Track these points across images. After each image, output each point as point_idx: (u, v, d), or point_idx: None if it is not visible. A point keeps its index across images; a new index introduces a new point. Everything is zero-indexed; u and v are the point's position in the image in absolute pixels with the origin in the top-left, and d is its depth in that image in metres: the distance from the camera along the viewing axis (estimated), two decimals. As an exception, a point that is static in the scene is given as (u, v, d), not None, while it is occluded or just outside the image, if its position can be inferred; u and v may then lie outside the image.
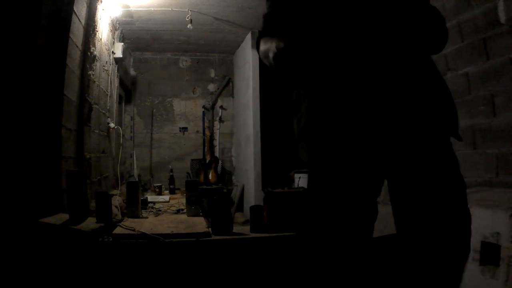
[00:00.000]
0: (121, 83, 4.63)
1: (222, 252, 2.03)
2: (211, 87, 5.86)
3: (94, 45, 3.01)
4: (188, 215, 2.66)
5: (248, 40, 4.83)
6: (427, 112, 0.96)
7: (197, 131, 5.77)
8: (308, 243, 1.10)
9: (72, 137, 2.59)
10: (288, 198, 2.22)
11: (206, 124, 5.71)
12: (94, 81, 3.10)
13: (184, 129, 5.75)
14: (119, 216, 2.47)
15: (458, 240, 0.94)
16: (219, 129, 5.83)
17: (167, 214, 2.81)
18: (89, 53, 2.90)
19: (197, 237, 2.04)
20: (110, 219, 2.24)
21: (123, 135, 4.22)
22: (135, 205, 2.52)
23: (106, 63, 3.61)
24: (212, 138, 5.62)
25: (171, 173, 4.74)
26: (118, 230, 2.10)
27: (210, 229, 2.16)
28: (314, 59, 0.97)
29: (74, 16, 2.53)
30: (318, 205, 1.06)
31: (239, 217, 4.58)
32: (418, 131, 0.96)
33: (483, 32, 2.35)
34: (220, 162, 5.49)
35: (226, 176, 5.68)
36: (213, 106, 5.77)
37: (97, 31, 3.09)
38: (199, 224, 2.35)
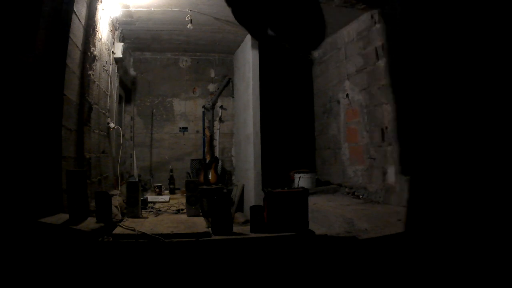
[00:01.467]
0: (121, 83, 4.63)
1: (222, 252, 2.04)
2: (211, 87, 5.85)
3: (94, 45, 3.01)
4: (188, 215, 2.66)
5: (248, 40, 4.82)
6: None
7: (197, 131, 5.77)
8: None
9: (72, 137, 2.59)
10: (288, 198, 2.22)
11: (206, 124, 5.71)
12: (94, 81, 3.10)
13: (184, 129, 5.75)
14: (119, 216, 2.47)
15: None
16: (219, 129, 5.83)
17: (167, 214, 2.81)
18: (89, 53, 2.90)
19: (197, 237, 2.05)
20: (110, 219, 2.24)
21: (123, 135, 4.22)
22: (135, 205, 2.52)
23: (106, 63, 3.61)
24: (212, 138, 5.62)
25: (171, 173, 4.74)
26: (118, 230, 2.10)
27: (210, 229, 2.16)
28: None
29: (74, 16, 2.53)
30: None
31: (239, 217, 4.58)
32: None
33: None
34: (220, 162, 5.49)
35: (226, 176, 5.68)
36: (213, 106, 5.78)
37: (97, 31, 3.09)
38: (199, 224, 2.35)
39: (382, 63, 3.84)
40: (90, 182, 2.86)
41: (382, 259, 2.10)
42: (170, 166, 5.12)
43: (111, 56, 3.86)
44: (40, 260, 1.80)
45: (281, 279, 2.03)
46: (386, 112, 3.80)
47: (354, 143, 4.48)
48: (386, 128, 3.81)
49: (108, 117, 3.70)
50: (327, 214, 3.42)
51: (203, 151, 5.56)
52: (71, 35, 2.48)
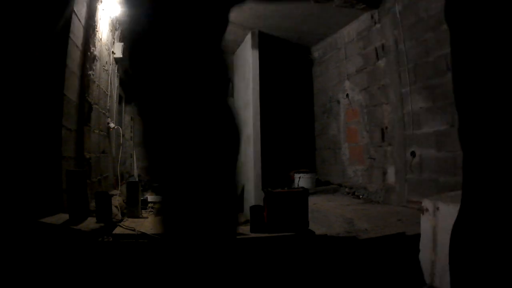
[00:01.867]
0: (121, 83, 4.62)
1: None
2: (211, 87, 5.85)
3: (94, 45, 3.01)
4: (188, 215, 2.65)
5: (248, 40, 4.82)
6: None
7: (197, 131, 5.76)
8: None
9: (72, 137, 2.59)
10: (288, 198, 2.22)
11: (206, 124, 5.70)
12: (94, 81, 3.10)
13: (184, 129, 5.75)
14: (119, 216, 2.47)
15: None
16: (219, 129, 5.83)
17: (167, 214, 2.80)
18: (89, 53, 2.90)
19: (197, 237, 2.04)
20: (110, 219, 2.24)
21: (123, 135, 4.22)
22: (135, 205, 2.52)
23: (106, 63, 3.61)
24: (212, 138, 5.61)
25: (171, 173, 4.73)
26: (118, 230, 2.10)
27: (210, 229, 2.16)
28: None
29: (74, 16, 2.53)
30: None
31: (239, 217, 4.58)
32: None
33: None
34: (220, 162, 5.48)
35: (226, 176, 5.67)
36: (213, 106, 5.77)
37: (97, 31, 3.09)
38: (199, 224, 2.34)
39: (382, 63, 3.84)
40: (90, 182, 2.86)
41: (382, 259, 2.10)
42: (170, 166, 5.10)
43: (111, 56, 3.86)
44: (40, 260, 1.80)
45: (281, 279, 2.03)
46: (386, 112, 3.80)
47: (354, 143, 4.48)
48: (386, 128, 3.81)
49: (108, 117, 3.70)
50: (327, 214, 3.42)
51: (203, 151, 5.55)
52: (71, 35, 2.48)
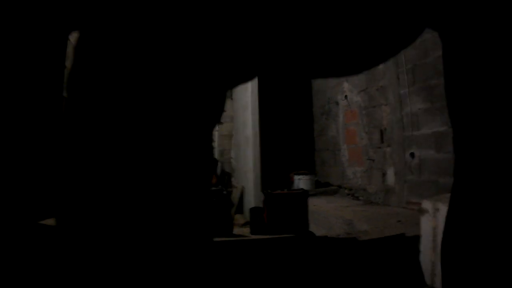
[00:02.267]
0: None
1: (222, 254, 2.03)
2: (210, 89, 5.86)
3: (93, 47, 3.01)
4: (188, 217, 2.65)
5: (247, 42, 4.83)
6: None
7: (196, 133, 5.77)
8: None
9: (71, 139, 2.58)
10: (287, 200, 2.22)
11: (205, 126, 5.71)
12: (93, 83, 3.09)
13: (183, 131, 5.75)
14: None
15: None
16: (218, 130, 5.83)
17: (166, 216, 2.80)
18: (88, 55, 2.90)
19: (197, 239, 2.04)
20: (110, 221, 2.24)
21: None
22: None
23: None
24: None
25: (170, 175, 4.73)
26: (117, 232, 2.09)
27: (210, 231, 2.16)
28: None
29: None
30: None
31: (239, 218, 4.58)
32: None
33: None
34: (219, 164, 5.49)
35: (225, 178, 5.68)
36: (212, 108, 5.78)
37: (96, 33, 3.09)
38: (199, 226, 2.34)
39: (381, 64, 3.85)
40: (90, 184, 2.86)
41: (383, 260, 2.10)
42: (169, 168, 5.10)
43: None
44: (40, 261, 1.79)
45: (282, 281, 2.03)
46: (385, 113, 3.81)
47: (353, 145, 4.48)
48: (385, 129, 3.82)
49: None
50: (327, 215, 3.42)
51: (202, 153, 5.55)
52: (69, 35, 2.47)
